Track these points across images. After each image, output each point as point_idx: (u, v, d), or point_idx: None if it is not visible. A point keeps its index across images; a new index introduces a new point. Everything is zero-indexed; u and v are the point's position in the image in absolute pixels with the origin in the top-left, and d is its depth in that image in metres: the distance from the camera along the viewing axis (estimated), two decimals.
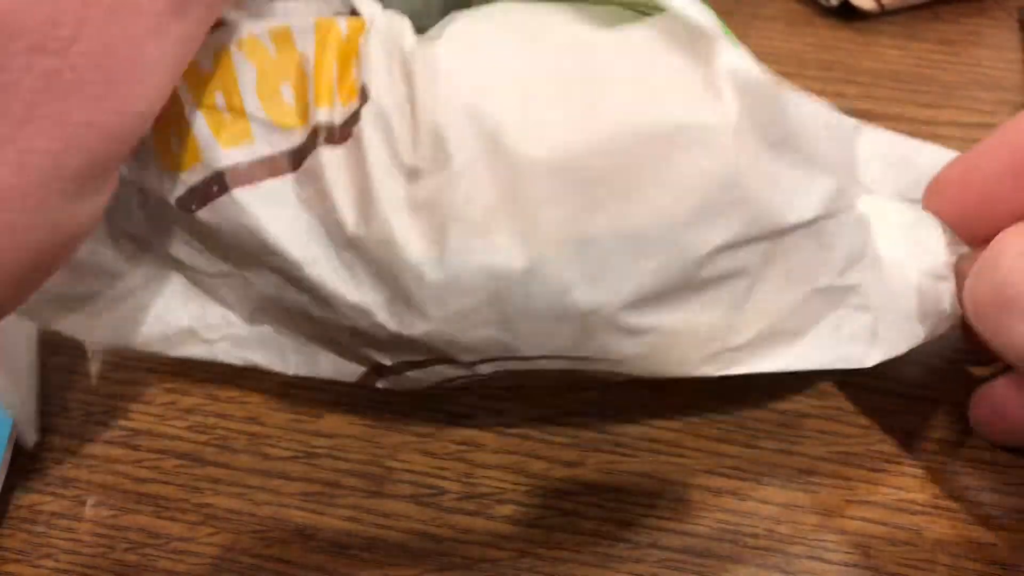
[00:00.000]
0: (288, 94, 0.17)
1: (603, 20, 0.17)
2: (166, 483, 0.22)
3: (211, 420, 0.23)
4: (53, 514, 0.22)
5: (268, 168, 0.17)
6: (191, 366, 0.24)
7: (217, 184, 0.17)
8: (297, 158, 0.17)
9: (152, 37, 0.14)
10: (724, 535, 0.21)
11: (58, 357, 0.25)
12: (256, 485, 0.22)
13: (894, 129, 0.28)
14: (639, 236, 0.16)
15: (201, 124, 0.17)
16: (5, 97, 0.13)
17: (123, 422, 0.23)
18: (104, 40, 0.13)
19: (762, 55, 0.26)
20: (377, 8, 0.18)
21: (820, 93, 0.31)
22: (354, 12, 0.18)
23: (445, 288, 0.17)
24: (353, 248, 0.17)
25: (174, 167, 0.18)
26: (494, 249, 0.16)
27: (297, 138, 0.17)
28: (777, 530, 0.21)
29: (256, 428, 0.23)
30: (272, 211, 0.17)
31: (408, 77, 0.16)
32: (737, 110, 0.16)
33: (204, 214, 0.18)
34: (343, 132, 0.17)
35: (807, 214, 0.17)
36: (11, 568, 0.21)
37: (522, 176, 0.16)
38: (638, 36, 0.17)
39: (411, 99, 0.16)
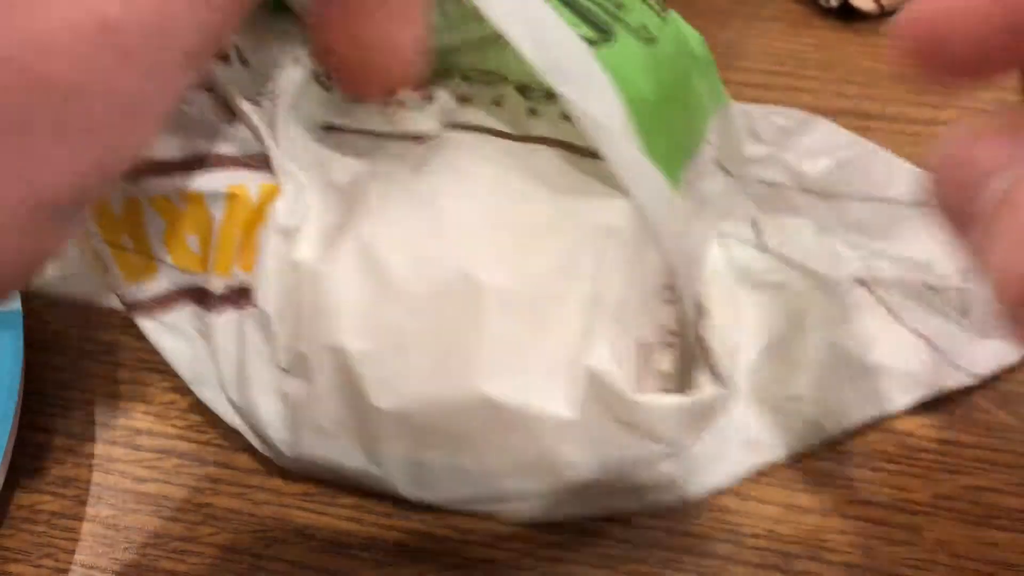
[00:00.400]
0: (194, 243, 0.19)
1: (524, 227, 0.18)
2: (166, 483, 0.22)
3: (211, 420, 0.23)
4: (53, 514, 0.22)
5: (170, 301, 0.20)
6: None
7: (127, 306, 0.20)
8: (198, 295, 0.19)
9: (164, 87, 0.14)
10: (724, 535, 0.21)
11: (57, 357, 0.25)
12: (256, 485, 0.22)
13: (894, 129, 0.28)
14: (462, 471, 0.18)
15: (108, 257, 0.19)
16: (22, 139, 0.13)
17: (123, 422, 0.23)
18: (126, 90, 0.14)
19: (762, 55, 0.26)
20: (289, 180, 0.19)
21: (820, 93, 0.31)
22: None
23: (297, 459, 0.20)
24: (230, 400, 0.20)
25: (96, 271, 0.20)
26: (339, 450, 0.19)
27: (199, 280, 0.19)
28: (777, 530, 0.21)
29: None
30: (171, 342, 0.20)
31: (294, 298, 0.18)
32: (580, 408, 0.17)
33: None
34: (236, 299, 0.19)
35: (619, 474, 0.19)
36: (11, 568, 0.21)
37: (369, 415, 0.18)
38: (528, 288, 0.17)
39: (294, 319, 0.18)
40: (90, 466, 0.23)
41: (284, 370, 0.18)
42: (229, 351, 0.19)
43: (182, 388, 0.24)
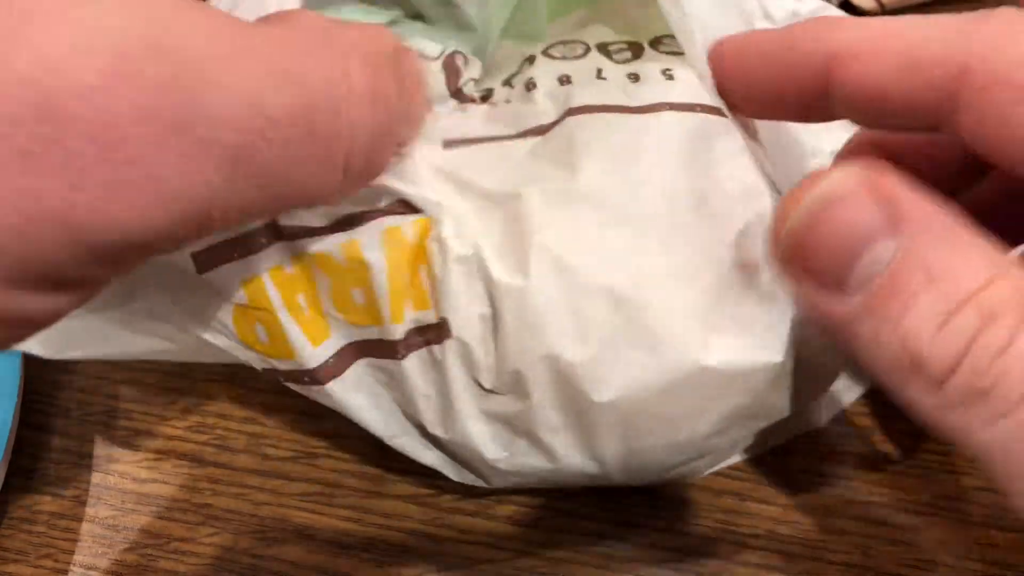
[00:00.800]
0: (360, 297, 0.19)
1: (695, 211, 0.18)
2: (166, 483, 0.22)
3: (211, 420, 0.23)
4: (53, 514, 0.22)
5: (349, 358, 0.19)
6: (191, 366, 0.24)
7: (308, 377, 0.19)
8: (372, 347, 0.19)
9: (183, 170, 0.12)
10: (724, 535, 0.21)
11: None
12: (256, 485, 0.22)
13: None
14: (674, 444, 0.18)
15: (291, 325, 0.19)
16: None
17: (123, 422, 0.23)
18: (117, 135, 0.11)
19: None
20: (441, 211, 0.18)
21: None
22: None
23: (510, 472, 0.20)
24: (432, 437, 0.20)
25: (263, 352, 0.19)
26: (554, 454, 0.19)
27: (372, 332, 0.19)
28: (777, 530, 0.21)
29: (256, 428, 0.23)
30: (355, 399, 0.20)
31: (496, 318, 0.18)
32: (784, 354, 0.17)
33: (292, 385, 0.20)
34: (419, 339, 0.18)
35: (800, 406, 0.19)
36: (11, 568, 0.21)
37: (589, 412, 0.18)
38: (705, 253, 0.18)
39: (497, 340, 0.18)
40: (90, 466, 0.23)
41: (491, 392, 0.19)
42: (427, 389, 0.19)
43: (182, 388, 0.24)
